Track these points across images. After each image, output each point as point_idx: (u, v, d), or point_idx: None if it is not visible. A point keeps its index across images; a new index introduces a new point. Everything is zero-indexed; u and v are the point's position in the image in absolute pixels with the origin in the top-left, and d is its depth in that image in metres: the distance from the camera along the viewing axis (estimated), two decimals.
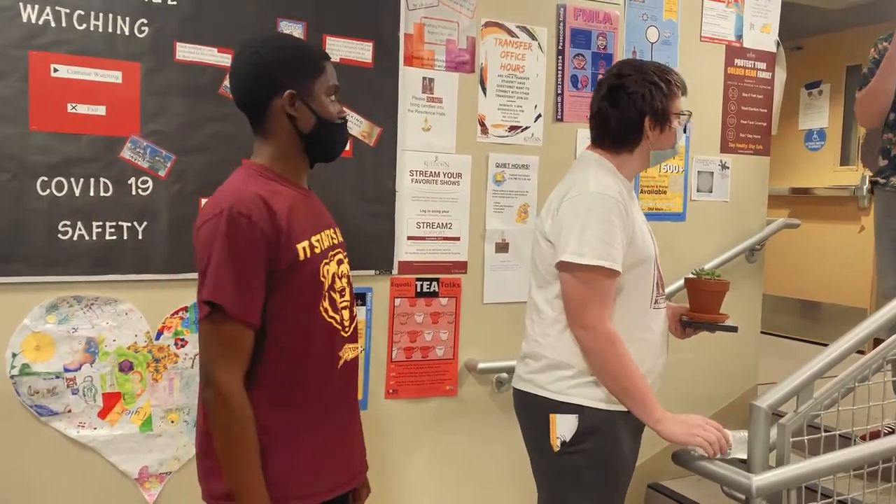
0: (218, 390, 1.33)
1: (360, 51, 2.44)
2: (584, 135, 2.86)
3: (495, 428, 2.71)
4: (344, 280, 1.54)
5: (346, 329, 1.52)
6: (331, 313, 1.47)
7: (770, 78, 3.28)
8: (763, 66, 3.25)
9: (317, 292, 1.44)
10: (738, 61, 3.19)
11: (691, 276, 1.84)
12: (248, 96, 1.47)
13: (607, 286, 1.59)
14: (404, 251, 2.56)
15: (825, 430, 1.85)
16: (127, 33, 2.13)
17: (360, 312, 2.52)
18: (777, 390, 1.73)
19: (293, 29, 2.33)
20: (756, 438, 1.69)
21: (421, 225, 2.59)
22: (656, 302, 1.72)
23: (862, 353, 1.96)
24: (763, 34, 3.24)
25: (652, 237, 1.76)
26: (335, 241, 1.56)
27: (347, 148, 2.42)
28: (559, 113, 2.82)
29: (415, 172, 2.57)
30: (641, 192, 3.01)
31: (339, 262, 1.54)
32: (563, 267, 1.63)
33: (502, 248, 2.73)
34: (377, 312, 2.55)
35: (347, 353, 1.52)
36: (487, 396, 2.74)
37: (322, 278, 1.45)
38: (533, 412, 1.72)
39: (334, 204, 2.40)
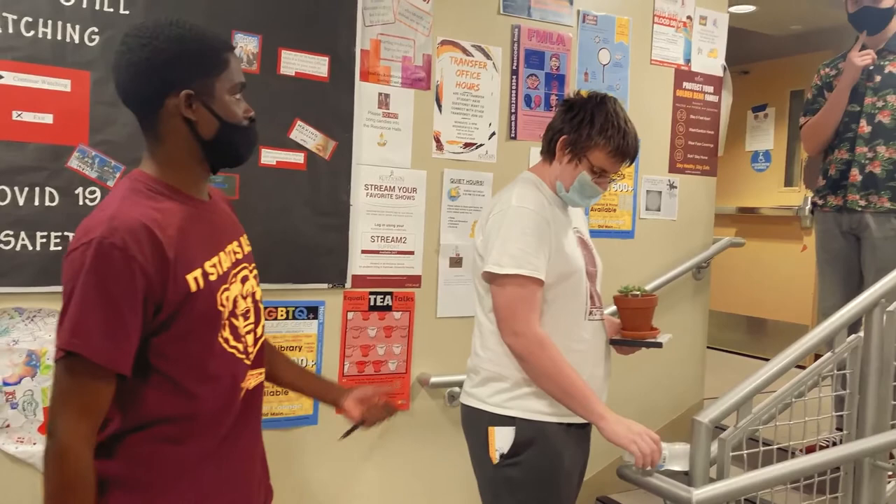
0: (57, 443, 1.14)
1: (315, 65, 2.45)
2: (536, 153, 2.91)
3: (446, 442, 2.72)
4: (249, 300, 1.35)
5: (250, 356, 1.35)
6: (232, 343, 1.29)
7: (717, 101, 3.39)
8: (710, 89, 3.36)
9: (214, 324, 1.26)
10: (686, 84, 3.29)
11: (618, 294, 1.85)
12: (135, 94, 1.24)
13: (532, 293, 1.63)
14: (358, 265, 2.57)
15: (764, 444, 1.91)
16: (77, 41, 2.10)
17: (313, 326, 2.51)
18: (718, 405, 1.78)
19: (248, 42, 2.33)
20: (697, 453, 1.74)
21: (375, 239, 2.60)
22: (590, 313, 1.75)
23: (803, 367, 2.03)
24: (710, 59, 3.35)
25: (587, 250, 1.81)
26: (239, 257, 1.36)
27: (301, 161, 2.44)
28: (513, 131, 2.86)
29: (370, 186, 2.58)
30: (592, 209, 3.07)
31: (244, 280, 1.35)
32: (488, 278, 1.68)
33: (456, 262, 2.76)
34: (329, 326, 2.54)
35: (250, 381, 1.35)
36: (439, 411, 2.75)
37: (220, 307, 1.26)
38: (475, 426, 1.75)
39: (287, 217, 2.42)
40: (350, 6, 2.50)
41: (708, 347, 3.60)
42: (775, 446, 1.95)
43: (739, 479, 1.73)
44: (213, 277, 1.26)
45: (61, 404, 1.15)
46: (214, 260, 1.28)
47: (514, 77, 2.86)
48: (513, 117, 2.87)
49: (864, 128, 2.78)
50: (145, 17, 2.16)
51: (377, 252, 2.60)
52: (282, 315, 2.45)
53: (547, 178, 1.78)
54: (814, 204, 3.00)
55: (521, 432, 1.66)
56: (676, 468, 1.65)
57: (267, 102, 2.32)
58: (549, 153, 1.77)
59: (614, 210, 3.15)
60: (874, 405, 2.08)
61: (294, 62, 2.41)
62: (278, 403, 2.46)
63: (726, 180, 5.37)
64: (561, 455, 1.69)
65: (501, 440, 1.66)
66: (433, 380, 2.67)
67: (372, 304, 2.60)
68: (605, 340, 1.84)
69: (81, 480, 1.16)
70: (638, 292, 1.84)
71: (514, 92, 2.86)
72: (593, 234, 3.03)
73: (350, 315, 2.57)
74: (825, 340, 1.99)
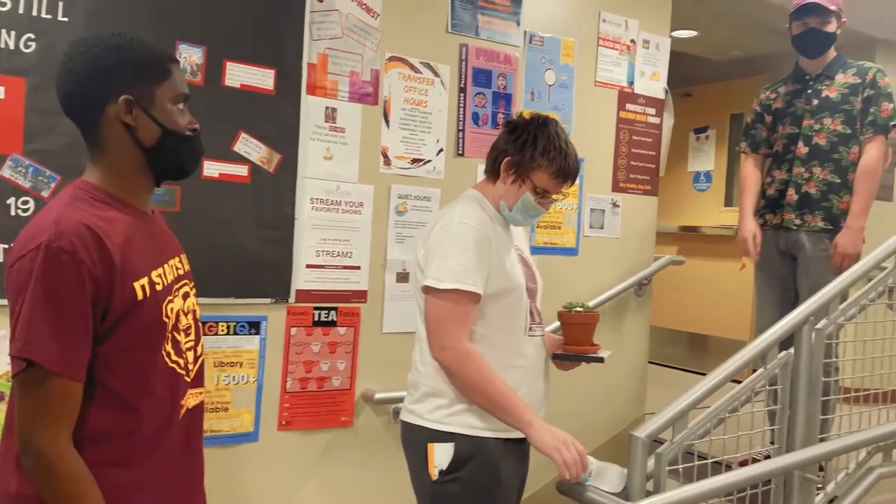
0: (43, 457, 1.13)
1: (261, 77, 2.43)
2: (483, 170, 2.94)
3: (390, 459, 2.70)
4: (190, 316, 1.36)
5: (190, 373, 1.34)
6: (174, 357, 1.29)
7: (659, 123, 3.48)
8: (653, 111, 3.46)
9: (158, 335, 1.26)
10: (629, 106, 3.37)
11: (562, 309, 1.89)
12: (76, 102, 1.25)
13: (466, 308, 1.65)
14: (302, 279, 2.54)
15: (700, 458, 1.96)
16: (12, 47, 2.03)
17: (254, 342, 2.47)
18: (654, 421, 1.82)
19: (192, 53, 2.30)
20: (634, 467, 1.77)
21: (320, 253, 2.58)
22: (531, 329, 1.78)
23: (739, 382, 2.09)
24: (653, 82, 3.45)
25: (528, 268, 1.84)
26: (181, 272, 1.37)
27: (245, 174, 2.41)
28: (460, 148, 2.89)
29: (315, 200, 2.57)
30: (538, 226, 3.11)
31: (185, 297, 1.36)
32: (425, 291, 1.70)
33: (403, 277, 2.75)
34: (272, 342, 2.51)
35: (190, 400, 1.34)
36: (383, 428, 2.73)
37: (165, 318, 1.27)
38: (414, 443, 1.75)
39: (229, 230, 2.39)
40: (297, 20, 2.49)
41: (650, 363, 3.67)
42: (710, 460, 1.99)
43: (675, 493, 1.77)
44: (158, 287, 1.26)
45: (32, 419, 1.14)
46: (160, 270, 1.28)
47: (462, 95, 2.89)
48: (460, 134, 2.90)
49: (802, 149, 2.88)
50: (85, 24, 2.11)
51: (322, 267, 2.58)
52: (223, 330, 2.41)
53: (490, 196, 1.81)
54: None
55: (460, 448, 1.67)
56: (606, 489, 1.67)
57: (211, 114, 2.29)
58: (493, 173, 1.81)
59: (559, 227, 3.20)
60: (803, 419, 2.16)
61: (239, 74, 2.39)
62: (218, 420, 2.41)
63: (669, 199, 5.51)
64: (499, 470, 1.70)
65: (440, 456, 1.66)
66: (378, 396, 2.65)
67: (316, 319, 2.58)
68: (546, 357, 1.86)
69: (85, 480, 1.16)
70: (581, 308, 1.87)
71: (461, 109, 2.89)
72: (538, 250, 3.10)
73: (293, 330, 2.54)
74: (757, 357, 2.06)
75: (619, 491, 1.71)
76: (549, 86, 3.12)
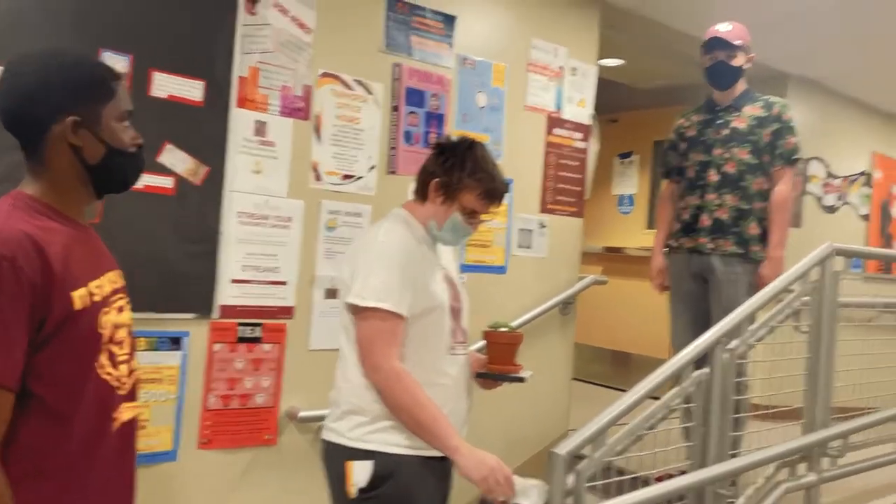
0: None
1: (189, 89, 2.39)
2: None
3: (315, 478, 2.62)
4: (124, 330, 1.36)
5: (124, 386, 1.34)
6: (108, 370, 1.29)
7: (585, 147, 3.59)
8: (579, 136, 3.56)
9: (93, 347, 1.26)
10: (557, 131, 3.47)
11: (487, 329, 1.91)
12: (20, 120, 1.26)
13: (392, 327, 1.67)
14: (227, 294, 2.50)
15: (619, 474, 2.01)
16: None
17: (175, 358, 2.41)
18: (574, 438, 1.87)
19: (117, 61, 2.24)
20: (554, 484, 1.81)
21: (246, 268, 2.54)
22: (453, 348, 1.79)
23: (658, 398, 2.17)
24: (580, 108, 3.55)
25: (453, 287, 1.85)
26: (117, 286, 1.37)
27: (170, 185, 2.36)
28: (392, 165, 2.91)
29: (242, 214, 2.53)
30: (468, 244, 3.15)
31: (120, 310, 1.36)
32: (351, 310, 1.71)
33: (332, 294, 2.74)
34: (193, 358, 2.45)
35: (125, 413, 1.34)
36: (308, 446, 2.69)
37: (101, 330, 1.27)
38: (333, 461, 1.74)
39: (152, 242, 2.33)
40: (229, 32, 2.47)
41: (575, 380, 3.75)
42: (628, 476, 2.05)
43: None
44: (96, 298, 1.27)
45: None
46: (98, 282, 1.29)
47: (395, 113, 2.91)
48: (393, 152, 2.91)
49: (714, 177, 3.01)
50: (6, 33, 2.03)
51: (248, 282, 2.54)
52: (142, 345, 2.34)
53: (419, 216, 1.83)
54: (668, 246, 3.21)
55: (380, 466, 1.67)
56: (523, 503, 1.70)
57: (135, 124, 2.21)
58: (422, 194, 1.83)
59: (489, 246, 3.25)
60: (716, 436, 2.25)
61: (166, 84, 2.35)
62: None
63: (594, 221, 5.67)
64: (419, 488, 1.70)
65: (359, 474, 1.66)
66: (302, 414, 2.62)
67: (240, 335, 2.53)
68: (469, 376, 1.88)
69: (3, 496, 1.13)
70: (506, 328, 1.91)
71: (394, 128, 2.91)
72: (469, 268, 3.14)
73: (216, 346, 2.49)
74: (673, 376, 2.14)
75: None
76: (481, 108, 3.18)
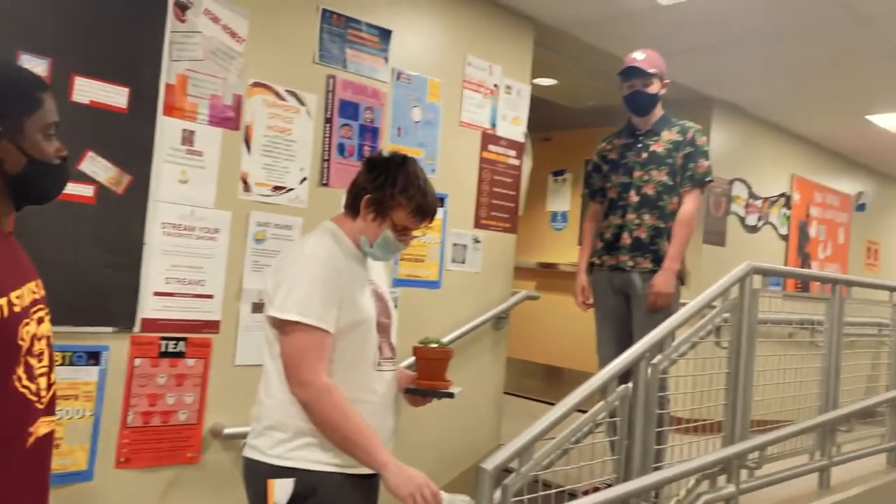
0: None
1: (114, 95, 2.32)
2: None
3: (239, 497, 2.58)
4: (43, 342, 1.33)
5: (42, 399, 1.30)
6: (25, 382, 1.25)
7: (519, 164, 3.64)
8: (513, 153, 3.61)
9: (12, 358, 1.22)
10: (491, 147, 3.51)
11: (417, 344, 1.89)
12: None
13: (319, 341, 1.64)
14: (149, 307, 2.42)
15: (545, 488, 2.03)
16: None
17: (93, 373, 2.31)
18: (501, 453, 1.87)
19: (36, 65, 2.15)
20: (482, 499, 1.81)
21: (171, 280, 2.47)
22: (380, 364, 1.77)
23: (585, 412, 2.19)
24: (514, 125, 3.61)
25: (382, 303, 1.83)
26: (37, 297, 1.34)
27: (91, 194, 2.28)
28: (325, 178, 2.88)
29: (167, 225, 2.46)
30: (401, 258, 3.14)
31: (40, 321, 1.33)
32: (274, 324, 1.68)
33: (259, 308, 2.67)
34: (112, 373, 2.36)
35: (41, 427, 1.29)
36: (232, 464, 2.62)
37: (20, 341, 1.23)
38: (254, 479, 1.70)
39: (70, 253, 2.24)
40: (157, 38, 2.41)
41: (507, 394, 3.78)
42: (554, 490, 2.07)
43: None
44: (16, 309, 1.23)
45: None
46: (19, 292, 1.25)
47: (328, 125, 2.89)
48: (325, 164, 2.89)
49: (633, 197, 3.13)
50: None
51: (172, 295, 2.47)
52: (57, 360, 2.22)
53: (349, 231, 1.81)
54: (592, 264, 3.30)
55: (302, 483, 1.63)
56: None
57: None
58: (353, 209, 1.81)
59: (423, 261, 3.25)
60: (640, 449, 2.30)
61: (89, 90, 2.27)
62: None
63: (529, 237, 5.75)
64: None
65: (280, 493, 1.62)
66: (227, 430, 2.55)
67: (163, 349, 2.45)
68: (396, 392, 1.85)
69: None
70: (436, 344, 1.89)
71: (327, 139, 2.89)
72: (402, 283, 3.13)
73: (137, 361, 2.40)
74: (599, 390, 2.18)
75: None
76: (416, 123, 3.19)
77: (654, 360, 2.33)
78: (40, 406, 1.29)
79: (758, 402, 2.79)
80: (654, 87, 3.12)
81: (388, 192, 1.74)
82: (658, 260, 3.07)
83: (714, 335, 2.67)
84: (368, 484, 1.73)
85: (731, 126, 5.14)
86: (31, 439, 1.26)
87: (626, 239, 3.11)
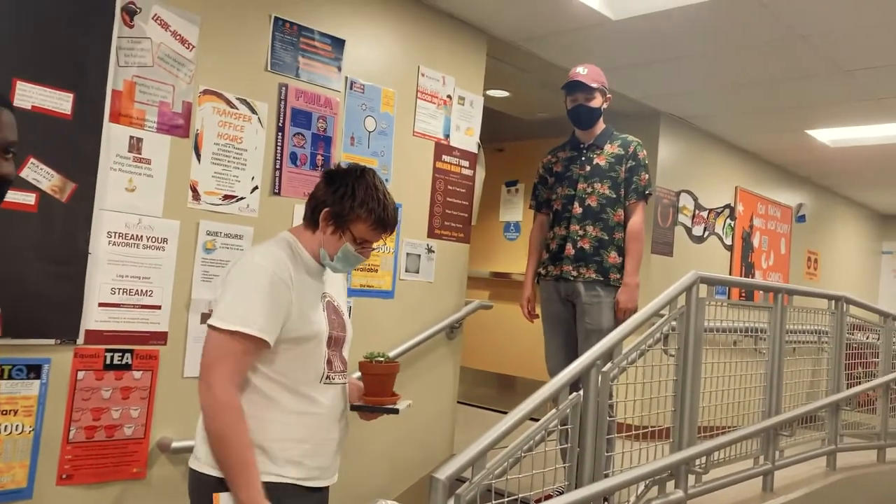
0: None
1: (57, 100, 2.26)
2: (300, 209, 2.92)
3: None
4: None
5: None
6: None
7: (472, 175, 3.67)
8: (466, 163, 3.64)
9: None
10: (445, 157, 3.53)
11: (363, 360, 1.88)
12: None
13: (244, 352, 1.60)
14: (94, 319, 2.35)
15: (501, 497, 2.04)
16: None
17: (34, 387, 2.24)
18: (454, 462, 1.88)
19: None
20: None
21: (116, 291, 2.41)
22: (328, 378, 1.75)
23: (537, 420, 2.21)
24: (467, 136, 3.64)
25: (337, 316, 1.82)
26: None
27: (32, 202, 2.21)
28: (277, 187, 2.85)
29: (113, 234, 2.40)
30: (356, 268, 3.12)
31: None
32: (210, 328, 1.64)
33: (208, 318, 2.63)
34: (54, 386, 2.28)
35: None
36: (181, 478, 2.56)
37: None
38: (199, 492, 1.66)
39: (9, 263, 2.17)
40: (103, 43, 2.35)
41: (461, 403, 3.78)
42: (507, 499, 2.08)
43: None
44: None
45: None
46: None
47: (280, 134, 2.87)
48: (277, 173, 2.86)
49: (577, 209, 3.20)
50: None
51: (118, 305, 2.41)
52: None
53: (307, 243, 1.78)
54: (538, 274, 3.36)
55: None
56: None
57: None
58: (312, 221, 1.79)
59: (376, 270, 3.24)
60: (591, 456, 2.33)
61: (31, 95, 2.20)
62: None
63: (482, 247, 5.78)
64: None
65: None
66: (175, 444, 2.49)
67: (108, 362, 2.39)
68: (345, 405, 1.83)
69: None
70: (382, 358, 1.87)
71: (279, 148, 2.86)
72: (355, 293, 3.11)
73: (81, 374, 2.33)
74: (550, 399, 2.20)
75: None
76: (369, 132, 3.19)
77: (605, 369, 2.37)
78: None
79: (704, 408, 2.85)
80: (597, 102, 3.19)
81: (347, 205, 1.73)
82: (602, 270, 3.15)
83: (662, 343, 2.73)
84: (318, 497, 1.71)
85: (678, 139, 5.27)
86: None
87: (570, 250, 3.19)
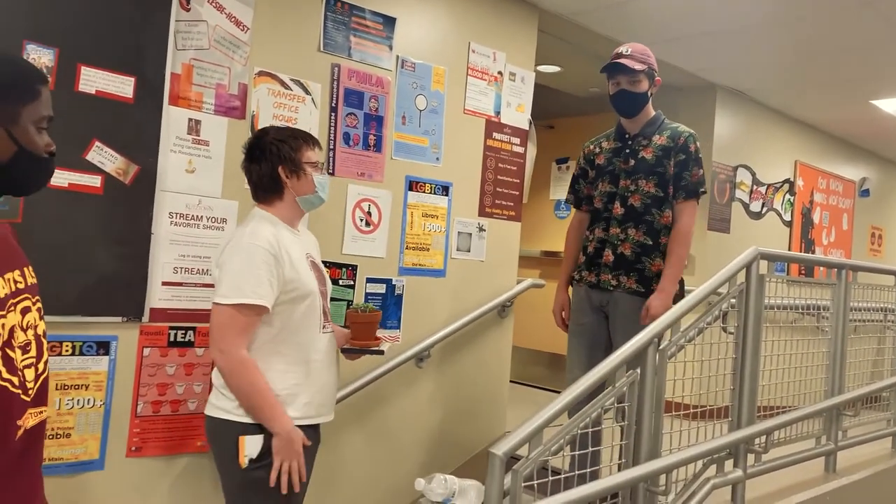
0: None
1: (119, 85, 2.32)
2: (354, 189, 2.95)
3: None
4: (30, 332, 1.29)
5: (29, 391, 1.27)
6: (5, 375, 1.22)
7: (523, 152, 3.64)
8: (517, 141, 3.61)
9: None
10: (496, 135, 3.50)
11: (350, 310, 2.20)
12: None
13: (247, 320, 1.86)
14: (157, 297, 2.43)
15: (555, 473, 2.04)
16: None
17: (103, 363, 2.32)
18: (511, 439, 1.88)
19: (42, 55, 2.15)
20: (492, 484, 1.82)
21: (178, 270, 2.48)
22: (324, 327, 2.03)
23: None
24: (518, 113, 3.60)
25: (318, 272, 2.05)
26: (20, 286, 1.29)
27: (98, 184, 2.28)
28: (331, 167, 2.88)
29: (174, 215, 2.46)
30: (407, 247, 3.15)
31: (26, 311, 1.29)
32: (214, 305, 1.90)
33: None
34: (122, 363, 2.37)
35: (29, 419, 1.26)
36: None
37: None
38: (221, 436, 1.91)
39: (77, 243, 2.24)
40: (162, 28, 2.40)
41: (512, 382, 3.79)
42: (563, 475, 2.08)
43: None
44: None
45: None
46: None
47: (334, 114, 2.89)
48: (331, 153, 2.89)
49: (619, 209, 2.81)
50: None
51: (180, 284, 2.48)
52: (67, 350, 2.25)
53: (278, 212, 2.01)
54: (572, 277, 3.01)
55: (269, 438, 1.86)
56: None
57: (61, 120, 2.14)
58: (270, 193, 2.01)
59: (428, 249, 3.25)
60: (648, 435, 2.30)
61: (95, 80, 2.27)
62: (58, 448, 2.24)
63: (532, 225, 5.74)
64: (303, 453, 1.92)
65: (251, 447, 1.84)
66: None
67: (172, 339, 2.47)
68: (336, 350, 2.12)
69: None
70: (365, 309, 2.18)
71: (332, 129, 2.89)
72: (408, 271, 3.14)
73: (146, 351, 2.41)
74: (606, 377, 2.18)
75: None
76: (420, 111, 3.19)
77: (662, 345, 2.34)
78: (26, 398, 1.26)
79: (764, 387, 2.79)
80: (643, 86, 2.76)
81: (286, 150, 1.97)
82: (644, 280, 2.77)
83: (721, 321, 2.68)
84: (314, 430, 2.02)
85: (734, 112, 5.12)
86: (20, 432, 1.24)
87: (609, 256, 2.81)
